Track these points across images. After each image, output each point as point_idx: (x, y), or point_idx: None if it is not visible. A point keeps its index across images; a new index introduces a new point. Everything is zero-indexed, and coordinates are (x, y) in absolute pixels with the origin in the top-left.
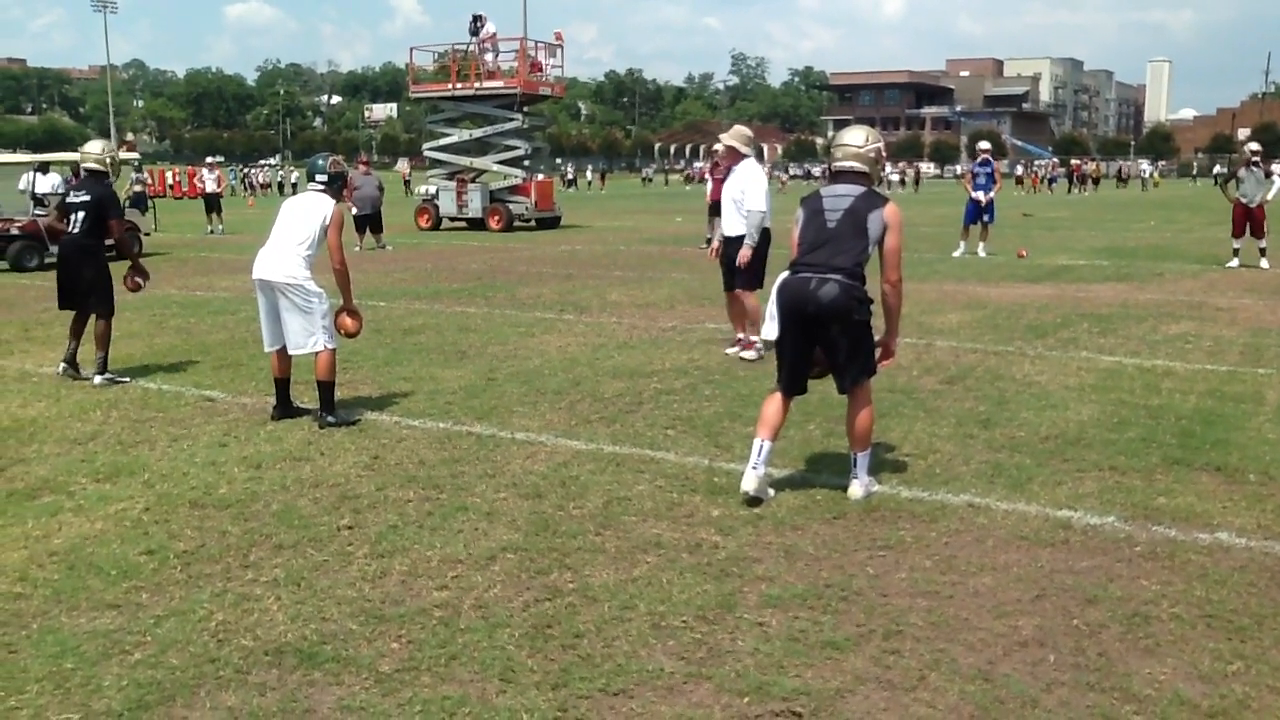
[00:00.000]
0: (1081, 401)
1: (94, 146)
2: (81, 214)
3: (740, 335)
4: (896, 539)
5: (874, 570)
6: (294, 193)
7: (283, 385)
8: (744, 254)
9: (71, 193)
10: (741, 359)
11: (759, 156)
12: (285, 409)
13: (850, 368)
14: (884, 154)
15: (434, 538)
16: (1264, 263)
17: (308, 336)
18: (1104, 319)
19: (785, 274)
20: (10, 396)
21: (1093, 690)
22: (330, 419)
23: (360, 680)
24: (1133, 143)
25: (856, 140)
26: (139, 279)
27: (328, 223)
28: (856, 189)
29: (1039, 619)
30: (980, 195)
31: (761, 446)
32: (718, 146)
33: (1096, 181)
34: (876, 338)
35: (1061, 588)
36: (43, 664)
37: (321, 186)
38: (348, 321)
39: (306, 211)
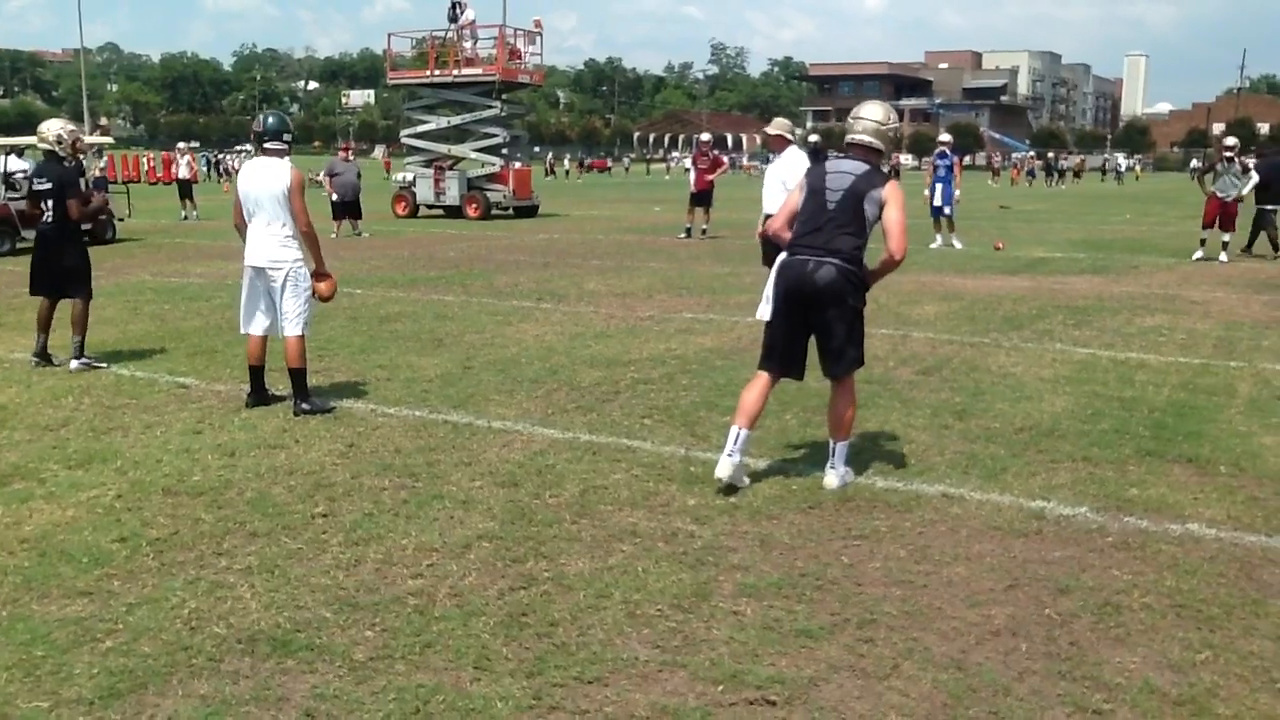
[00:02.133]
0: (1056, 393)
1: (49, 127)
2: (51, 200)
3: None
4: (871, 529)
5: (849, 559)
6: None
7: (258, 372)
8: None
9: (34, 180)
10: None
11: (802, 144)
12: (260, 396)
13: (845, 354)
14: (901, 135)
15: (409, 526)
16: (1223, 256)
17: (299, 316)
18: (1079, 311)
19: (784, 255)
20: None
21: (1064, 679)
22: (305, 406)
23: (334, 668)
24: (1109, 136)
25: (877, 115)
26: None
27: (290, 188)
28: (861, 167)
29: (1012, 608)
30: (938, 191)
31: (738, 434)
32: (704, 136)
33: (1078, 175)
34: (861, 321)
35: (1034, 577)
36: (12, 651)
37: (284, 146)
38: (321, 286)
39: (270, 185)
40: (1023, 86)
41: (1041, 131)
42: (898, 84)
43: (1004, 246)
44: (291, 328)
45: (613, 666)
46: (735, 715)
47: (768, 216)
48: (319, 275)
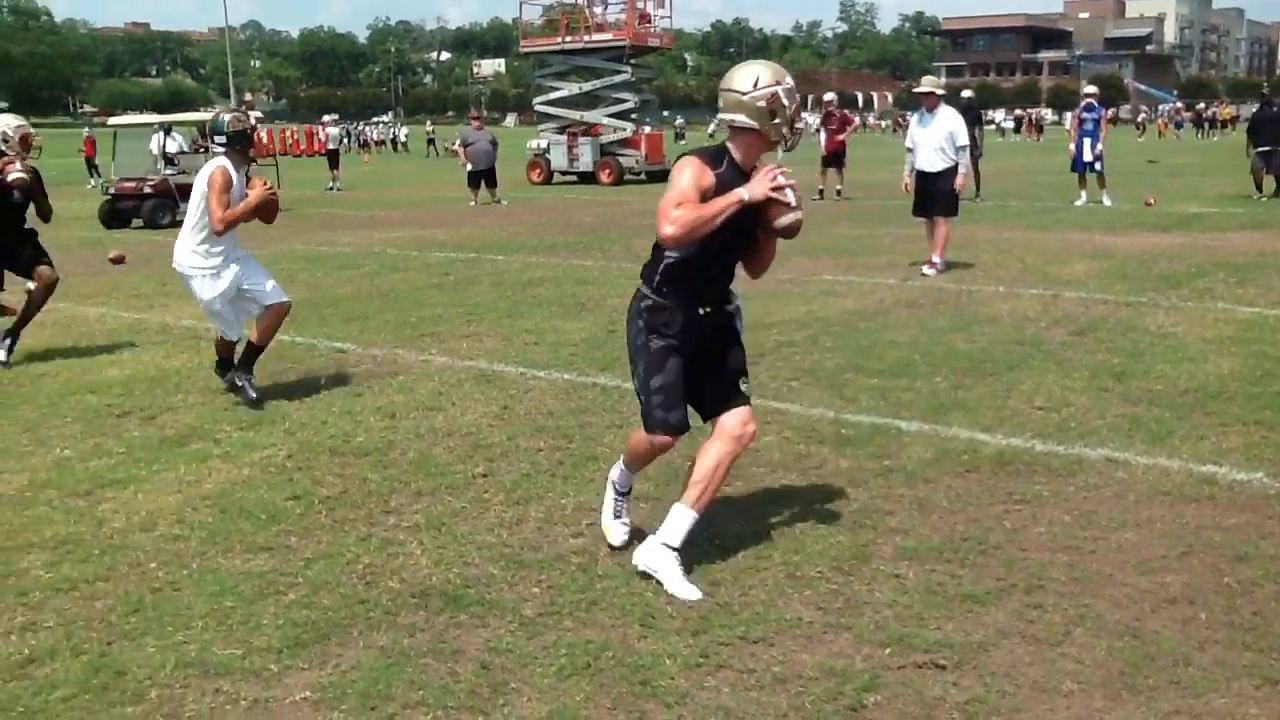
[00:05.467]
0: (1220, 354)
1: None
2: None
3: (934, 257)
4: (1033, 493)
5: (1010, 524)
6: (405, 150)
7: (227, 361)
8: (960, 180)
9: None
10: (923, 274)
11: (950, 100)
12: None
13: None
14: (794, 103)
15: (566, 486)
16: None
17: (276, 287)
18: (1240, 268)
19: None
20: (154, 349)
21: (1249, 649)
22: (245, 380)
23: (505, 623)
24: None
25: (737, 83)
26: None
27: (206, 188)
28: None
29: (1187, 576)
30: (1086, 146)
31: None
32: (828, 96)
33: (1231, 124)
34: (644, 363)
35: (1209, 544)
36: (205, 602)
37: (221, 149)
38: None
39: (198, 184)
40: (1170, 34)
41: (1190, 81)
42: (1035, 36)
43: (1155, 202)
44: (277, 295)
45: (777, 627)
46: (904, 678)
47: (919, 172)
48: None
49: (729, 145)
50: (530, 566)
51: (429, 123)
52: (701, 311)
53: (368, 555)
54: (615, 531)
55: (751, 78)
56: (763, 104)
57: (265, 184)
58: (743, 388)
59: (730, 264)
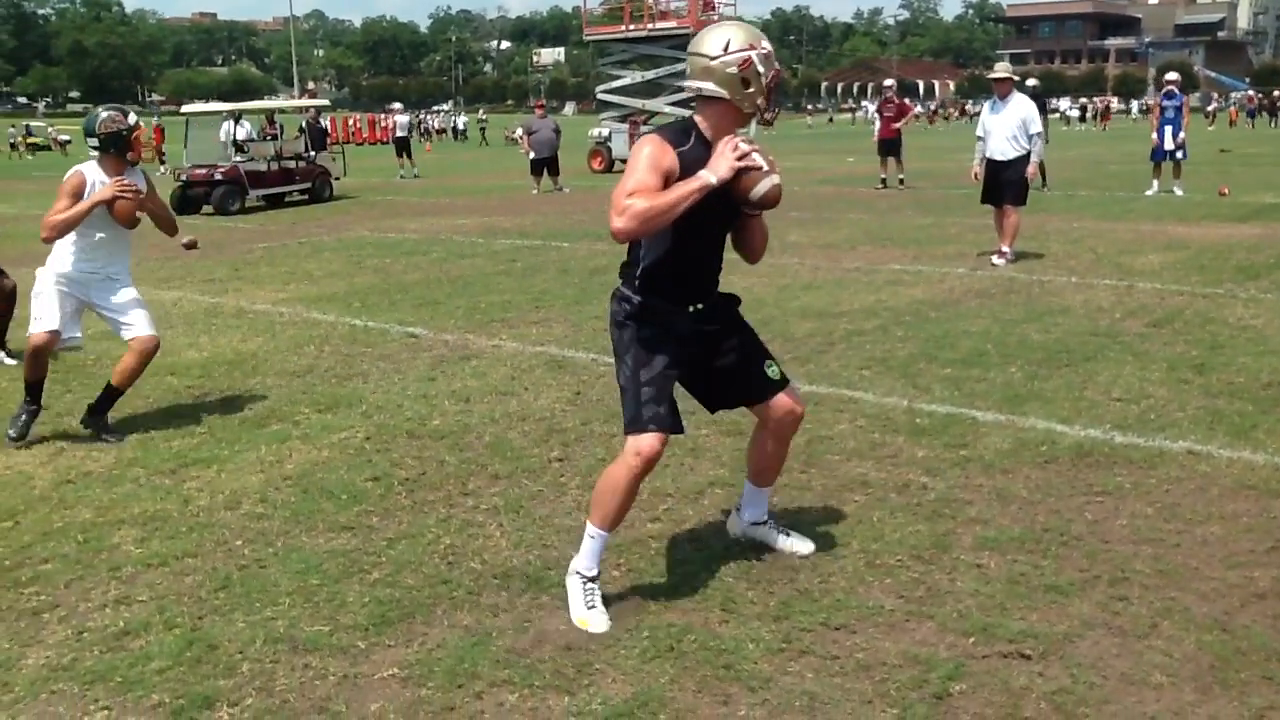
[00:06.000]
0: None
1: None
2: None
3: (1004, 246)
4: (1114, 485)
5: (1092, 516)
6: (465, 138)
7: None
8: (1032, 169)
9: None
10: (993, 264)
11: (1021, 87)
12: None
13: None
14: (771, 70)
15: None
16: None
17: (148, 318)
18: None
19: None
20: (230, 332)
21: None
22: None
23: None
24: None
25: (705, 47)
26: None
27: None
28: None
29: (1276, 571)
30: (1167, 134)
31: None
32: (888, 82)
33: None
34: (631, 355)
35: None
36: (291, 579)
37: (94, 152)
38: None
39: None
40: (1243, 20)
41: (1264, 68)
42: (1103, 22)
43: (1229, 192)
44: (146, 327)
45: (858, 614)
46: (990, 667)
47: (989, 160)
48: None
49: (696, 119)
50: (609, 549)
51: (480, 111)
52: (692, 310)
53: (448, 536)
54: (596, 619)
55: (722, 40)
56: (734, 70)
57: (124, 183)
58: (770, 372)
59: (717, 253)
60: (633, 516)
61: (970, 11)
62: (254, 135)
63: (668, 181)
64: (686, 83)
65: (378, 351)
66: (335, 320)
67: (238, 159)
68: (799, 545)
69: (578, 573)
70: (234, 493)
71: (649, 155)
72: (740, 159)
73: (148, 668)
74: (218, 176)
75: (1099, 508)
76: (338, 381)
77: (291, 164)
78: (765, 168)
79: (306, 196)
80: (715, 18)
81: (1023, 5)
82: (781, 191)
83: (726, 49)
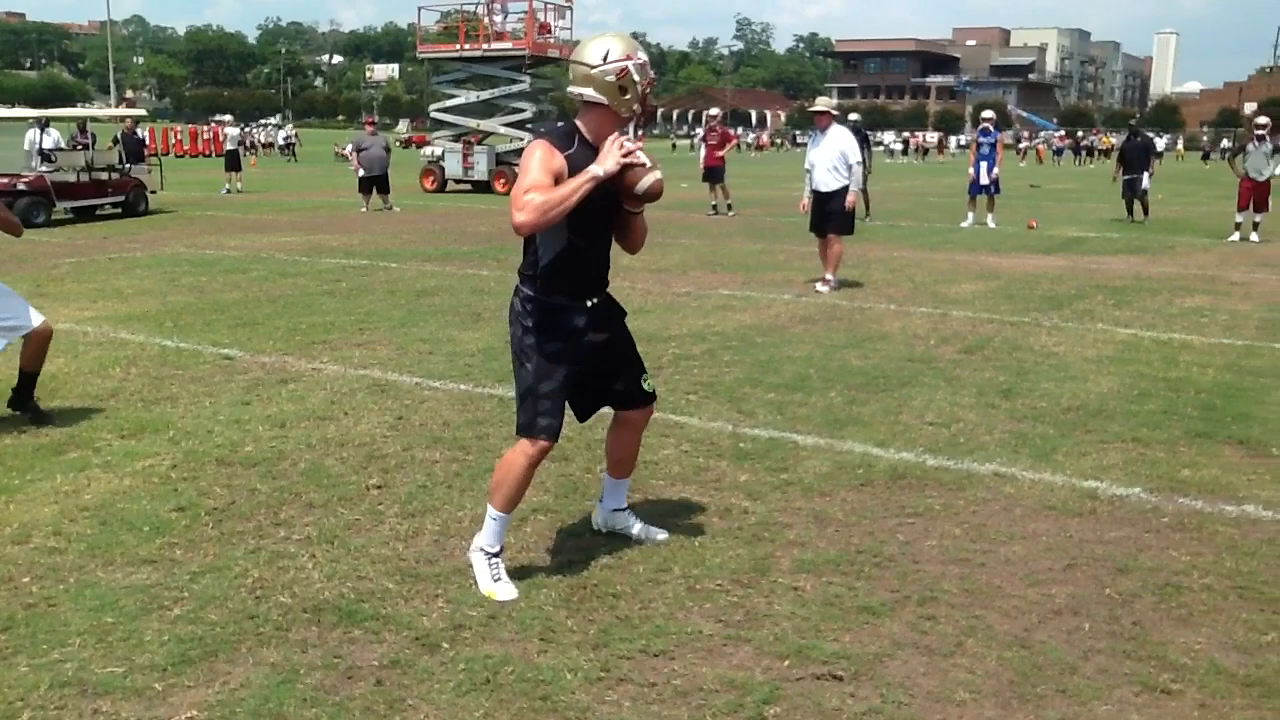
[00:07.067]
0: (1101, 373)
1: None
2: None
3: (828, 274)
4: (925, 506)
5: (904, 537)
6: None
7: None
8: (851, 199)
9: None
10: (817, 291)
11: (840, 120)
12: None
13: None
14: (645, 79)
15: (464, 498)
16: (1254, 235)
17: (30, 310)
18: (1118, 291)
19: None
20: None
21: (1130, 658)
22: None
23: (401, 638)
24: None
25: (587, 55)
26: None
27: None
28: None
29: (1072, 587)
30: (982, 170)
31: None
32: (713, 111)
33: (1109, 154)
34: (534, 365)
35: (1092, 557)
36: (83, 618)
37: None
38: None
39: None
40: (1051, 64)
41: (1070, 110)
42: (924, 61)
43: (1037, 225)
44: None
45: (677, 640)
46: (804, 690)
47: (814, 192)
48: None
49: (578, 123)
50: (427, 580)
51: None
52: (590, 304)
53: (257, 569)
54: (504, 589)
55: (601, 50)
56: (612, 78)
57: None
58: (646, 386)
59: (606, 247)
60: (452, 545)
61: (802, 45)
62: (62, 144)
63: (557, 181)
64: (569, 89)
65: (189, 374)
66: (145, 341)
67: (44, 169)
68: (655, 533)
69: (481, 549)
70: (24, 525)
71: (539, 158)
72: (625, 156)
73: None
74: (21, 186)
75: (911, 529)
76: (144, 406)
77: (104, 175)
78: (648, 164)
79: (120, 210)
80: (551, 40)
81: (851, 41)
82: (663, 186)
83: (605, 59)
